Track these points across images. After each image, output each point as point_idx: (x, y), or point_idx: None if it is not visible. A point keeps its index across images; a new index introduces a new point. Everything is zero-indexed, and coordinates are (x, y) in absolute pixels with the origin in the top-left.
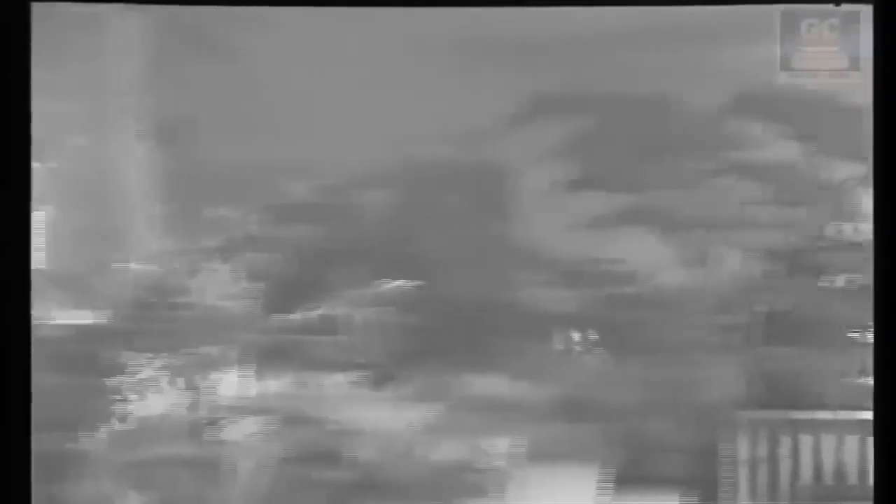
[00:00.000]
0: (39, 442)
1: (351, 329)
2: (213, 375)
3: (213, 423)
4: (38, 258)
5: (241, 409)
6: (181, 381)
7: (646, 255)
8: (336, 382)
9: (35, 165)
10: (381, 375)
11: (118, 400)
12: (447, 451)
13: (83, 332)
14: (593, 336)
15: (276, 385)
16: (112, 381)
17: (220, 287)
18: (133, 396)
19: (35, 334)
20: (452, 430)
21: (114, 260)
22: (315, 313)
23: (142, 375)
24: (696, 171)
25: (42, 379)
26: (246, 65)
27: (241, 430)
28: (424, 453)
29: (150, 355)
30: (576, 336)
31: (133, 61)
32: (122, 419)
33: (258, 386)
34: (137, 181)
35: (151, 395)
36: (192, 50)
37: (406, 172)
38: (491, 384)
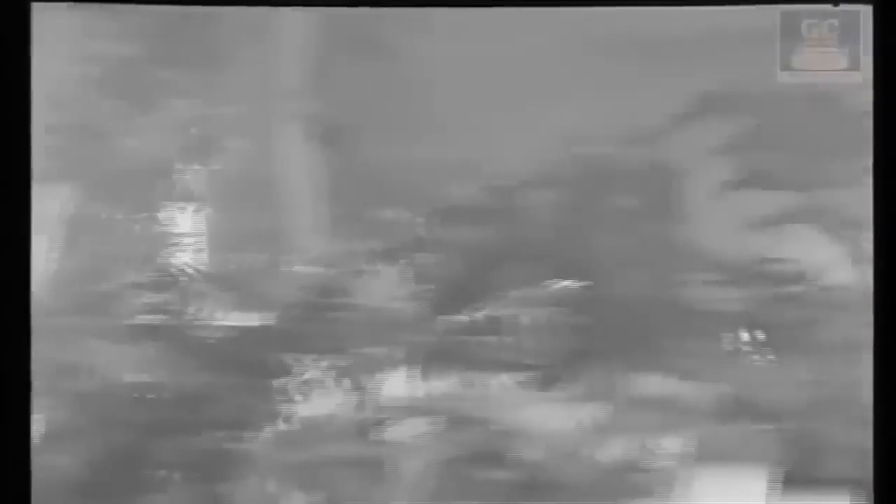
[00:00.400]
0: (203, 442)
1: (517, 329)
2: (379, 376)
3: (378, 423)
4: (201, 259)
5: (407, 409)
6: (347, 382)
7: (814, 255)
8: (502, 383)
9: (196, 167)
10: (548, 376)
11: (283, 400)
12: (613, 450)
13: (247, 334)
14: (761, 335)
15: (442, 385)
16: (277, 382)
17: (386, 288)
18: (298, 397)
19: (197, 335)
20: (619, 430)
21: (278, 261)
22: (481, 314)
23: (307, 376)
24: (864, 169)
25: (205, 379)
26: (411, 66)
27: (406, 431)
28: (590, 453)
29: (316, 356)
30: (744, 335)
31: (296, 63)
32: (287, 419)
33: (424, 386)
34: (302, 183)
35: (317, 396)
36: (356, 52)
37: (574, 173)
38: (658, 384)
